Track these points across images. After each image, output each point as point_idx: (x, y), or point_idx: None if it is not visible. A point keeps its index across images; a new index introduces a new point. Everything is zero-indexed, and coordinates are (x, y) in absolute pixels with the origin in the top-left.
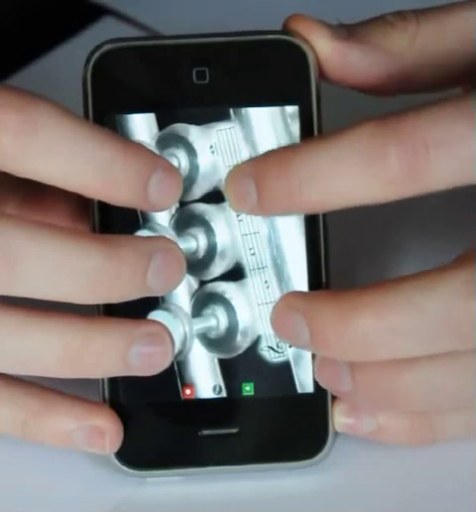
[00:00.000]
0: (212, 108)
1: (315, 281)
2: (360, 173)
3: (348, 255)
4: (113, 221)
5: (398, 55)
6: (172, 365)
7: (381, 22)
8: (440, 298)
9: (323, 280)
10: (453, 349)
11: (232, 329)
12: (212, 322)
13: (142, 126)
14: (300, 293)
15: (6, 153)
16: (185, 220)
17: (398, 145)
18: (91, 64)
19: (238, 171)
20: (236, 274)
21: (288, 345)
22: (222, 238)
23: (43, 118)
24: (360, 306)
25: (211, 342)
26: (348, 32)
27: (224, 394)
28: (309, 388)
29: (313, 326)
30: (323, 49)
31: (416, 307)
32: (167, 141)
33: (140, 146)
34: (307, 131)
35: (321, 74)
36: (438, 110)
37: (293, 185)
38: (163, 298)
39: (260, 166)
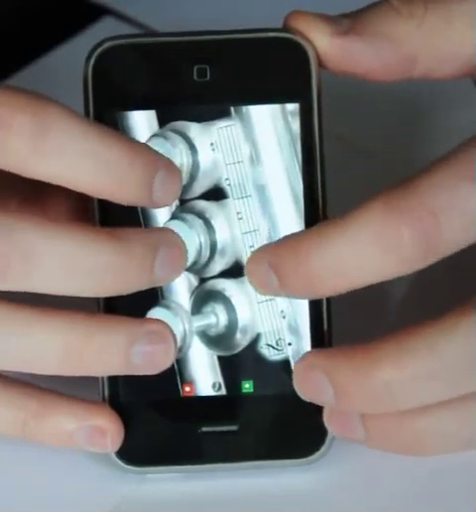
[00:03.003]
0: (213, 106)
1: None
2: (377, 256)
3: None
4: (114, 219)
5: (402, 41)
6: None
7: (386, 7)
8: (458, 340)
9: None
10: (472, 391)
11: (232, 327)
12: (212, 320)
13: (142, 123)
14: (320, 350)
15: (19, 156)
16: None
17: (410, 225)
18: (92, 61)
19: (257, 259)
20: (236, 271)
21: (287, 343)
22: (222, 236)
23: (54, 120)
24: (380, 357)
25: (211, 340)
26: (350, 23)
27: (224, 391)
28: None
29: (336, 383)
30: (323, 45)
31: (437, 352)
32: (167, 138)
33: (144, 145)
34: (308, 129)
35: (322, 67)
36: (440, 176)
37: (311, 276)
38: (162, 295)
39: (277, 257)
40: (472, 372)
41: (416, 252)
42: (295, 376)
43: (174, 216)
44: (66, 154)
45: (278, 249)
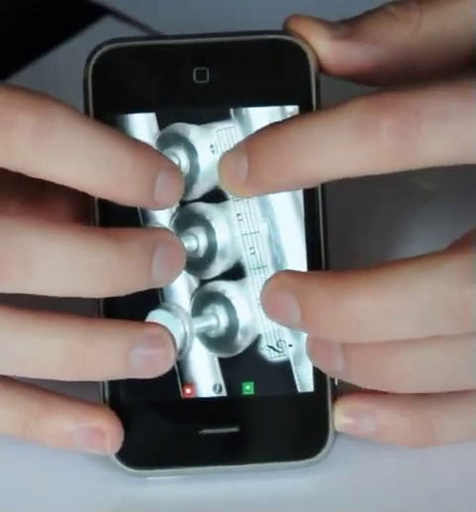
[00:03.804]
0: (212, 108)
1: None
2: (352, 143)
3: (348, 255)
4: (114, 220)
5: (400, 46)
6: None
7: (383, 15)
8: (435, 282)
9: None
10: (446, 333)
11: (232, 329)
12: (212, 322)
13: (142, 126)
14: (293, 272)
15: (22, 155)
16: (186, 220)
17: (389, 116)
18: (92, 63)
19: (233, 148)
20: (236, 273)
21: (288, 345)
22: (222, 237)
23: (58, 121)
24: (353, 286)
25: (211, 341)
26: (349, 28)
27: (224, 393)
28: (310, 387)
29: (305, 306)
30: (323, 49)
31: (411, 289)
32: (167, 140)
33: (147, 146)
34: None
35: (322, 71)
36: (433, 85)
37: (284, 156)
38: (163, 297)
39: (253, 139)
40: (445, 315)
41: (392, 145)
42: (263, 293)
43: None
44: (70, 153)
45: (254, 134)
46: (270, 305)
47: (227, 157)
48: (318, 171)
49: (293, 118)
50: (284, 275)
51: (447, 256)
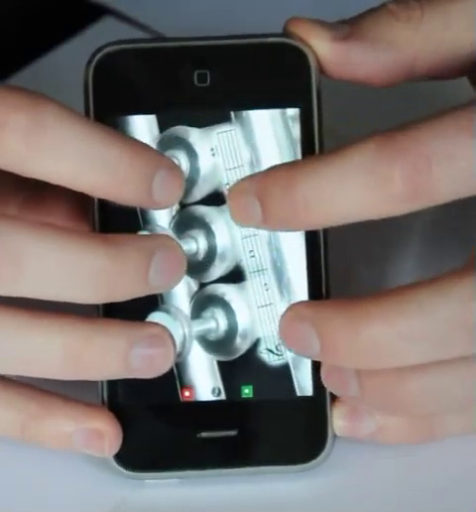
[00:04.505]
0: (213, 111)
1: (315, 283)
2: (364, 191)
3: (347, 256)
4: (114, 221)
5: (401, 45)
6: (171, 367)
7: (384, 13)
8: (450, 303)
9: (323, 282)
10: (463, 354)
11: (231, 332)
12: (212, 325)
13: (143, 128)
14: (309, 302)
15: (15, 154)
16: (186, 222)
17: (401, 165)
18: (93, 65)
19: (241, 188)
20: (236, 276)
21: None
22: (222, 240)
23: (51, 119)
24: (370, 313)
25: (210, 344)
26: (349, 28)
27: (223, 396)
28: (308, 391)
29: (323, 336)
30: (323, 51)
31: (426, 312)
32: (168, 143)
33: (144, 145)
34: (308, 134)
35: (323, 73)
36: (438, 124)
37: (297, 204)
38: (162, 299)
39: (263, 184)
40: (461, 335)
41: (405, 192)
42: (281, 326)
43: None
44: (63, 152)
45: (263, 177)
46: (290, 337)
47: (237, 198)
48: (330, 217)
49: (302, 162)
50: (299, 306)
51: (460, 276)
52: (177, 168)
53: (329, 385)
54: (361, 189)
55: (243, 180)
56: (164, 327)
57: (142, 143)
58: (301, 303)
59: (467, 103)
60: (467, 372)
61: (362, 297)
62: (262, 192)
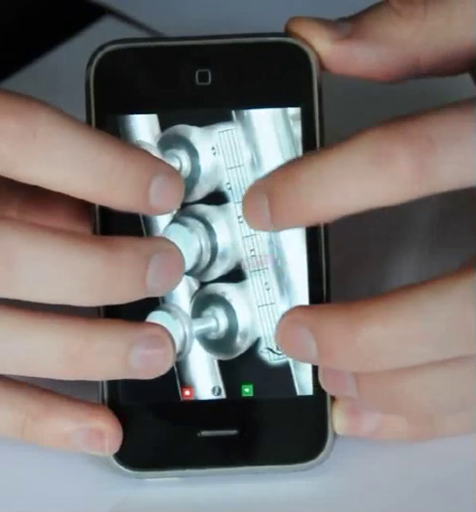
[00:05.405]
0: (214, 110)
1: (316, 282)
2: (368, 176)
3: (348, 256)
4: (115, 223)
5: (404, 42)
6: (171, 367)
7: (386, 9)
8: (448, 303)
9: (324, 281)
10: (462, 354)
11: (232, 331)
12: (212, 324)
13: (144, 127)
14: (306, 306)
15: (6, 160)
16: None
17: (405, 145)
18: (94, 65)
19: (253, 188)
20: (236, 275)
21: None
22: (223, 239)
23: (42, 124)
24: (367, 315)
25: (211, 344)
26: (351, 26)
27: (223, 395)
28: (309, 390)
29: (320, 339)
30: (325, 50)
31: (424, 313)
32: (169, 142)
33: (140, 150)
34: (310, 133)
35: (325, 71)
36: (443, 111)
37: (302, 197)
38: (163, 299)
39: (270, 181)
40: (459, 336)
41: (410, 174)
42: (278, 331)
43: (174, 220)
44: (54, 158)
45: (270, 175)
46: (286, 342)
47: (248, 197)
48: (338, 208)
49: (306, 157)
50: (297, 310)
51: (458, 276)
52: (175, 173)
53: (326, 386)
54: (364, 174)
55: (256, 180)
56: (164, 328)
57: (138, 148)
58: (298, 307)
59: (470, 97)
60: (465, 372)
61: (359, 299)
62: (269, 191)
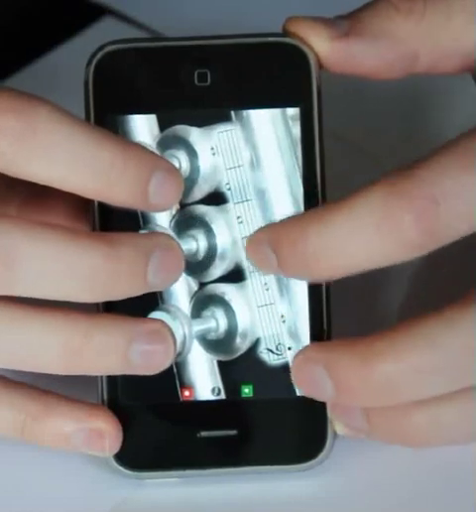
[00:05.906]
0: (213, 110)
1: (315, 282)
2: (375, 240)
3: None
4: (114, 221)
5: (403, 39)
6: (170, 366)
7: (384, 5)
8: (460, 333)
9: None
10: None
11: (231, 331)
12: (212, 324)
13: (143, 127)
14: (318, 344)
15: (5, 157)
16: (186, 222)
17: (409, 210)
18: (93, 65)
19: (257, 239)
20: (236, 276)
21: (287, 348)
22: (222, 240)
23: (41, 121)
24: (381, 351)
25: (210, 344)
26: (349, 24)
27: (223, 396)
28: None
29: (336, 377)
30: (323, 50)
31: (436, 344)
32: (168, 142)
33: (140, 147)
34: (309, 133)
35: (324, 70)
36: (444, 164)
37: (308, 256)
38: (162, 299)
39: (276, 236)
40: (473, 365)
41: (416, 237)
42: (293, 371)
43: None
44: (54, 155)
45: (278, 228)
46: (302, 382)
47: (253, 249)
48: (342, 268)
49: (312, 214)
50: (309, 349)
51: (467, 305)
52: (174, 170)
53: (337, 418)
54: (371, 238)
55: (258, 230)
56: (164, 323)
57: (138, 145)
58: (310, 346)
59: (464, 135)
60: (470, 405)
61: (371, 334)
62: (275, 245)
